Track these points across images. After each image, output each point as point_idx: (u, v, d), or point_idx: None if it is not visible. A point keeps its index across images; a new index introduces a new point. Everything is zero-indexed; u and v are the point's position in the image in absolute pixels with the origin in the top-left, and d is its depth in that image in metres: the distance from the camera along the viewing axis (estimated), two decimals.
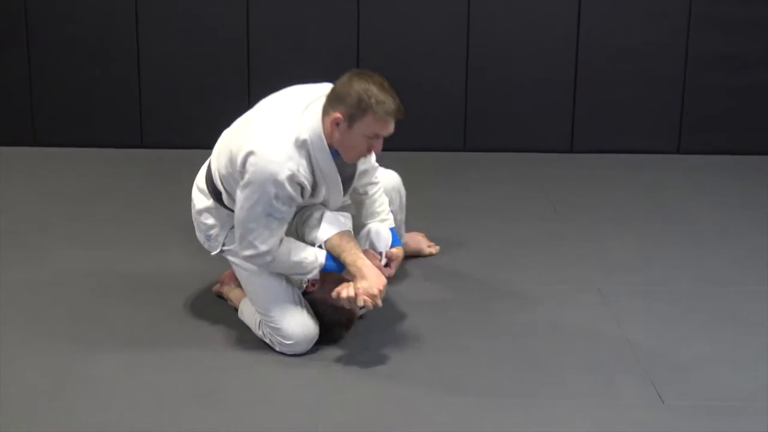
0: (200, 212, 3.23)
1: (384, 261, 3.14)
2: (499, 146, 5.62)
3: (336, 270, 3.05)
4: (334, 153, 2.99)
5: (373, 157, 3.23)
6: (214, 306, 3.47)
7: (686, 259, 3.99)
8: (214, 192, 3.16)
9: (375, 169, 3.31)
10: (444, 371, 3.03)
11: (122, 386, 2.91)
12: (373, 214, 3.29)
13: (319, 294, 3.15)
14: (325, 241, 3.06)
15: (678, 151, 5.61)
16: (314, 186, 3.01)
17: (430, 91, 5.56)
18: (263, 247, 2.98)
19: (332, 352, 3.14)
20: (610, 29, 5.48)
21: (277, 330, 3.07)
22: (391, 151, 5.51)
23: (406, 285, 3.62)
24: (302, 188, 2.96)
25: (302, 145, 2.92)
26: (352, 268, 3.02)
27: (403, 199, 3.58)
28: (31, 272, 3.73)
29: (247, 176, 2.91)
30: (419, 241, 3.91)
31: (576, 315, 3.45)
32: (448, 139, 5.64)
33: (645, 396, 2.90)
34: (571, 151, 5.63)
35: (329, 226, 3.07)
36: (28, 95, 5.53)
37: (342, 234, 3.07)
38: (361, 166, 3.18)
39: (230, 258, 3.18)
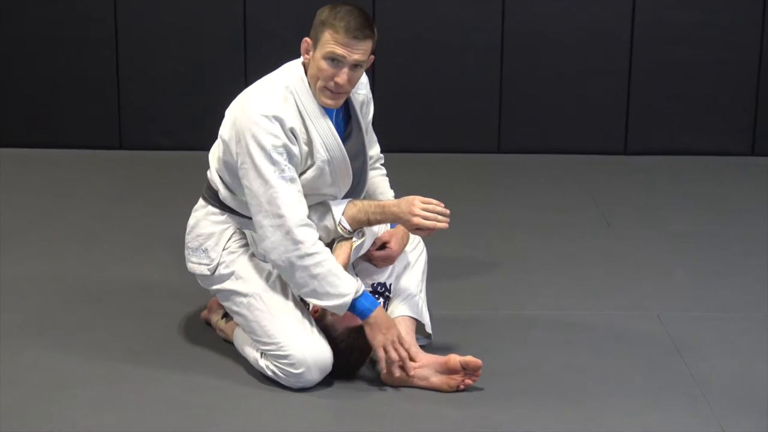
0: (196, 224, 3.28)
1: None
2: (538, 147, 5.61)
3: (366, 313, 3.05)
4: (329, 115, 3.15)
5: (376, 147, 3.41)
6: (201, 334, 3.46)
7: (763, 282, 3.95)
8: (213, 196, 3.24)
9: (379, 157, 3.47)
10: (474, 413, 3.00)
11: (88, 430, 2.88)
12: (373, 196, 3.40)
13: (327, 319, 3.15)
14: (343, 215, 3.15)
15: (752, 153, 5.58)
16: (310, 143, 3.11)
17: (458, 84, 5.55)
18: (295, 214, 3.02)
19: (347, 386, 3.11)
20: (670, 8, 5.46)
21: (284, 357, 3.08)
22: (414, 152, 5.62)
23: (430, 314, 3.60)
24: (297, 140, 3.07)
25: (287, 92, 3.11)
26: (388, 217, 3.16)
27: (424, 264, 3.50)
28: None
29: (241, 143, 3.06)
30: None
31: (631, 346, 3.42)
32: (479, 139, 5.63)
33: None
34: (624, 152, 5.61)
35: (338, 204, 3.18)
36: None
37: (353, 201, 3.21)
38: (370, 150, 3.35)
39: (226, 286, 3.20)
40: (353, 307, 3.03)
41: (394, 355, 3.06)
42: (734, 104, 5.55)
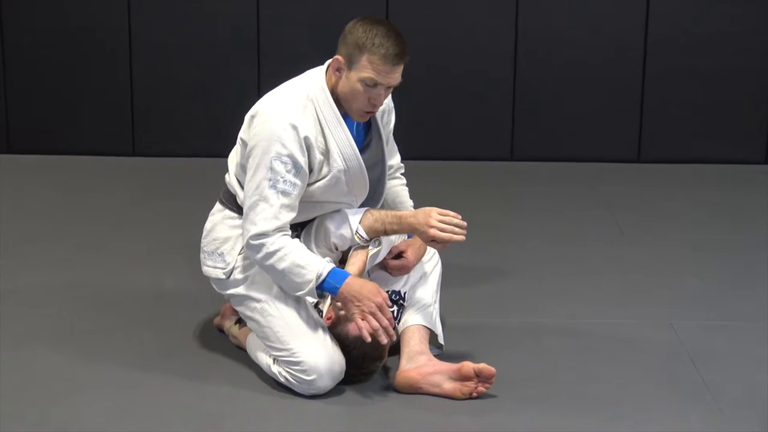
0: (213, 228, 3.30)
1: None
2: (552, 155, 5.61)
3: (333, 291, 3.07)
4: (350, 124, 3.16)
5: (397, 156, 3.42)
6: (215, 341, 3.48)
7: None
8: (231, 200, 3.26)
9: (400, 167, 3.48)
10: (487, 420, 3.00)
11: None
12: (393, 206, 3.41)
13: (340, 326, 3.16)
14: (360, 224, 3.16)
15: (766, 161, 5.57)
16: (327, 152, 3.12)
17: (471, 91, 5.56)
18: (262, 226, 3.05)
19: (359, 393, 3.12)
20: (684, 17, 5.46)
21: (296, 364, 3.08)
22: (426, 160, 5.63)
23: (443, 323, 3.60)
24: (310, 151, 3.07)
25: (307, 101, 3.11)
26: (404, 228, 3.16)
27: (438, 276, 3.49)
28: None
29: (251, 142, 3.10)
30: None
31: (644, 354, 3.42)
32: (492, 147, 5.63)
33: None
34: (638, 160, 5.60)
35: (356, 213, 3.19)
36: (1, 95, 5.59)
37: (370, 210, 3.22)
38: (391, 159, 3.36)
39: (240, 290, 3.22)
40: (321, 288, 3.04)
41: (374, 323, 3.02)
42: (748, 112, 5.55)
